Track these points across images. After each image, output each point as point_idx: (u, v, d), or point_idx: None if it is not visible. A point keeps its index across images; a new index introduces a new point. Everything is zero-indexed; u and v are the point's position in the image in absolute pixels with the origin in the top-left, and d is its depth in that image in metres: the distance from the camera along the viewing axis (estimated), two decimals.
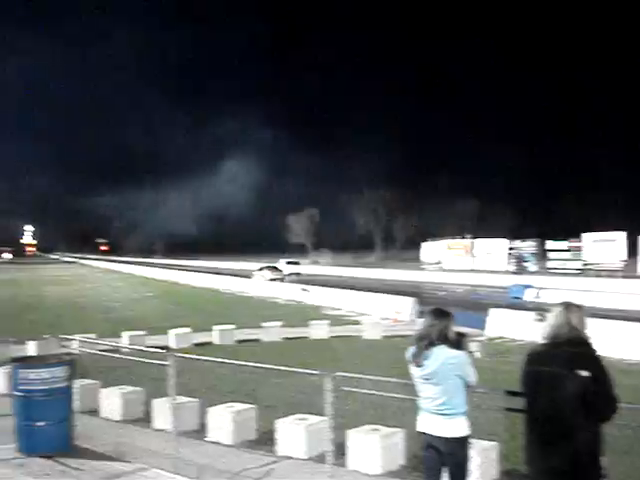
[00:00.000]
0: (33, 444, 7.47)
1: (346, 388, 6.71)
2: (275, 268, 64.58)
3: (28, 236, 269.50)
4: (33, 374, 7.41)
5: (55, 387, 7.47)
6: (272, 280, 54.88)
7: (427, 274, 65.36)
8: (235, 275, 56.17)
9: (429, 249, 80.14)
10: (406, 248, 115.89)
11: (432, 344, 5.26)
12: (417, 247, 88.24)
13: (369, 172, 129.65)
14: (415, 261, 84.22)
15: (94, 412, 10.61)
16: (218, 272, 61.49)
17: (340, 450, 7.62)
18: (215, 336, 19.94)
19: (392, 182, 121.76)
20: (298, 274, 68.39)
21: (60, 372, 7.54)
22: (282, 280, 56.42)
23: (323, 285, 38.63)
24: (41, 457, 7.30)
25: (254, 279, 55.49)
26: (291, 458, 8.53)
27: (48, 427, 7.44)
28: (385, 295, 30.03)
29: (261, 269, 63.13)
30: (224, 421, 9.37)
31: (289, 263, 73.75)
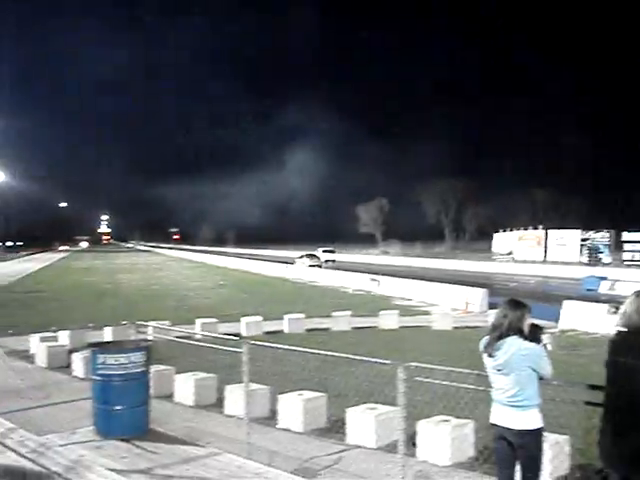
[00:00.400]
0: (110, 427, 7.68)
1: (418, 378, 6.70)
2: (314, 256, 71.06)
3: (104, 225, 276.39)
4: (111, 359, 7.61)
5: (132, 372, 7.66)
6: (311, 266, 59.75)
7: (498, 265, 64.47)
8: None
9: (500, 240, 78.99)
10: (476, 238, 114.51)
11: (505, 335, 5.20)
12: (487, 237, 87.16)
13: (439, 161, 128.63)
14: (486, 252, 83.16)
15: (168, 397, 10.87)
16: (287, 262, 61.80)
17: (410, 440, 7.61)
18: (285, 325, 20.10)
19: (463, 171, 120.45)
20: (333, 261, 75.10)
21: (137, 358, 7.73)
22: (320, 267, 61.66)
23: (393, 275, 38.47)
24: (118, 440, 7.50)
25: (296, 265, 59.80)
26: (360, 447, 8.56)
27: (125, 411, 7.64)
28: (456, 286, 29.73)
29: (301, 257, 69.10)
30: (294, 408, 9.47)
31: (325, 252, 79.81)
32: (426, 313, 24.11)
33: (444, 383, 6.72)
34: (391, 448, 8.30)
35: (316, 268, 57.27)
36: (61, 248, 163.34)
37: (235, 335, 11.96)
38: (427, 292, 30.52)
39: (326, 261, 71.81)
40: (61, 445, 6.44)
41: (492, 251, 79.66)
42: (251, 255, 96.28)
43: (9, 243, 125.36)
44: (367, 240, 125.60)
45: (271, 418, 9.86)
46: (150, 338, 9.82)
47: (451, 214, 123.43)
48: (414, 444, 7.99)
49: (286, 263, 57.91)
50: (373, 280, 36.60)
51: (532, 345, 5.15)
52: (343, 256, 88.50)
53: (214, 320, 19.44)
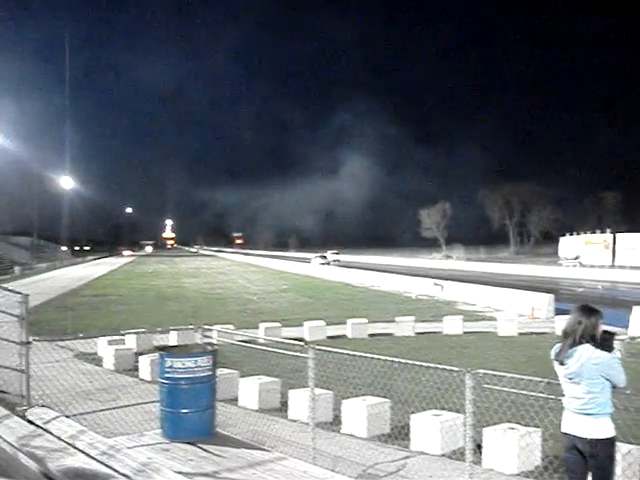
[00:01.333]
0: (177, 430, 7.77)
1: (487, 386, 6.61)
2: (324, 256, 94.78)
3: (168, 230, 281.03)
4: (179, 363, 7.70)
5: (199, 376, 7.74)
6: (321, 264, 78.40)
7: (564, 270, 63.23)
8: (366, 269, 56.24)
9: (567, 244, 77.51)
10: (541, 243, 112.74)
11: (578, 342, 5.08)
12: (553, 242, 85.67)
13: (503, 164, 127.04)
14: (551, 256, 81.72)
15: (232, 401, 10.97)
16: (350, 266, 61.78)
17: (475, 448, 7.51)
18: (348, 329, 20.09)
19: (528, 174, 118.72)
20: (338, 260, 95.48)
21: (204, 361, 7.80)
22: (328, 264, 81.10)
23: (456, 280, 38.09)
24: (184, 443, 7.58)
25: (312, 263, 79.95)
26: (425, 454, 8.50)
27: (192, 414, 7.72)
28: (521, 291, 29.26)
29: (316, 257, 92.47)
30: (358, 414, 9.45)
31: (333, 254, 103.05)
32: (491, 319, 23.83)
33: (512, 391, 6.60)
34: (456, 455, 8.23)
35: (325, 265, 76.13)
36: (125, 253, 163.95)
37: (298, 339, 12.01)
38: (492, 297, 30.13)
39: (333, 260, 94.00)
40: (129, 447, 6.54)
41: (558, 255, 78.22)
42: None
43: (76, 248, 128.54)
44: (429, 244, 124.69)
45: (334, 423, 9.86)
46: (214, 342, 9.91)
47: (515, 218, 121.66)
48: (479, 451, 7.89)
49: (304, 261, 78.05)
50: (436, 285, 36.30)
51: (604, 354, 5.01)
52: (404, 260, 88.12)
53: (277, 324, 19.57)
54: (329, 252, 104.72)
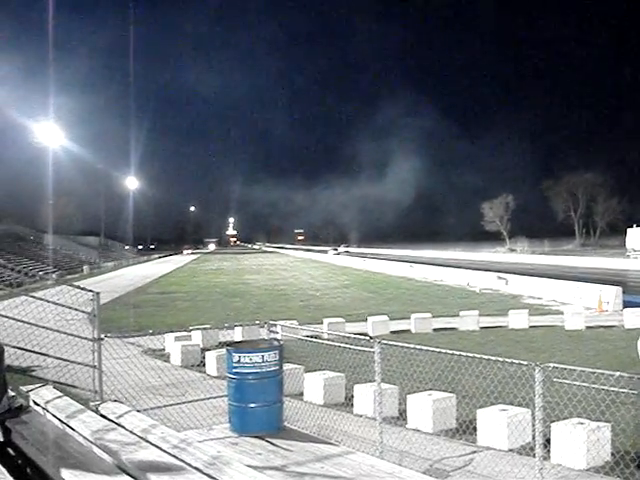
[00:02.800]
0: (245, 424, 7.87)
1: (557, 380, 6.52)
2: (336, 248, 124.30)
3: (230, 227, 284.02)
4: (246, 358, 7.80)
5: (266, 371, 7.82)
6: (335, 255, 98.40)
7: (632, 262, 61.67)
8: (428, 264, 55.88)
9: (635, 235, 75.53)
10: (608, 235, 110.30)
11: None
12: (620, 233, 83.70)
13: (568, 155, 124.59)
14: (618, 248, 79.87)
15: (298, 396, 11.05)
16: (412, 261, 61.49)
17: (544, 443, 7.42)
18: (412, 324, 20.03)
19: (593, 165, 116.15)
20: (347, 251, 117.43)
21: (271, 357, 7.88)
22: (339, 254, 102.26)
23: (521, 274, 37.56)
24: (252, 437, 7.68)
25: (328, 254, 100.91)
26: (492, 449, 8.44)
27: (259, 409, 7.81)
28: (588, 284, 28.69)
29: (330, 249, 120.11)
30: (424, 409, 9.44)
31: (345, 246, 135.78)
32: (557, 312, 23.45)
33: (583, 384, 6.49)
34: (524, 450, 8.14)
35: (339, 255, 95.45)
36: (185, 252, 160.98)
37: (362, 334, 12.03)
38: (557, 290, 29.62)
39: (344, 251, 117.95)
40: (199, 441, 6.65)
41: (625, 247, 76.33)
42: (374, 255, 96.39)
43: (139, 246, 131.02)
44: (493, 238, 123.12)
45: (399, 418, 9.87)
46: (279, 337, 10.00)
47: (581, 209, 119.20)
48: (547, 446, 7.79)
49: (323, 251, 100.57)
50: (500, 278, 35.85)
51: None
52: (466, 254, 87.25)
53: (341, 320, 19.62)
54: (342, 245, 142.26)
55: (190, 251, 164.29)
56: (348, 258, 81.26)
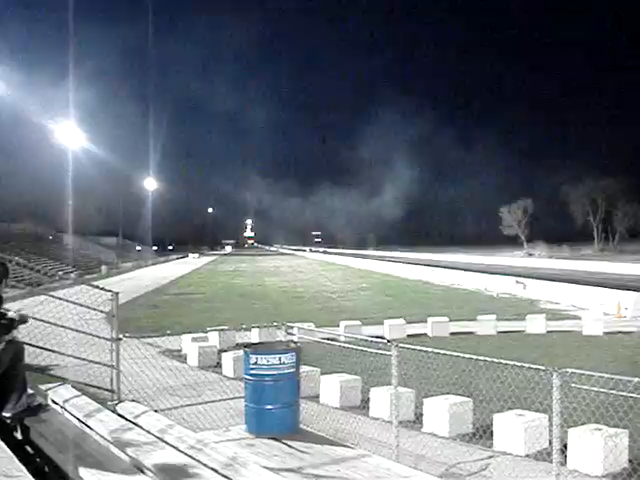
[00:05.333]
0: (261, 426, 7.89)
1: (575, 385, 6.49)
2: (311, 249, 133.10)
3: (248, 229, 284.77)
4: (263, 360, 7.82)
5: (283, 373, 7.85)
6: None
7: None
8: (446, 267, 55.68)
9: None
10: (627, 240, 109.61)
11: None
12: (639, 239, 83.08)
13: (587, 160, 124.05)
14: (638, 253, 79.28)
15: (314, 398, 11.06)
16: (430, 264, 61.32)
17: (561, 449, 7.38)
18: (429, 328, 19.98)
19: (612, 170, 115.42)
20: (325, 251, 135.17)
21: (288, 358, 7.91)
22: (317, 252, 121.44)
23: (539, 278, 37.37)
24: (269, 438, 7.70)
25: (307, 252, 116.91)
26: (508, 454, 8.40)
27: (276, 410, 7.83)
28: (606, 289, 28.49)
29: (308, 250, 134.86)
30: (440, 413, 9.42)
31: (326, 247, 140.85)
32: (575, 317, 23.33)
33: (601, 390, 6.45)
34: (540, 456, 8.11)
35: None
36: (192, 255, 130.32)
37: (379, 337, 12.01)
38: (576, 295, 29.45)
39: (323, 251, 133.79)
40: (216, 442, 6.68)
41: None
42: (392, 258, 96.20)
43: (154, 247, 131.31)
44: (511, 242, 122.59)
45: (415, 421, 9.85)
46: (296, 339, 10.02)
47: (600, 214, 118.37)
48: (564, 452, 7.75)
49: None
50: (518, 283, 35.69)
51: None
52: (484, 258, 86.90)
53: (357, 322, 19.60)
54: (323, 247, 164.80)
55: (197, 255, 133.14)
56: (366, 261, 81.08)
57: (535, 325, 20.59)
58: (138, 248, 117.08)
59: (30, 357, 7.77)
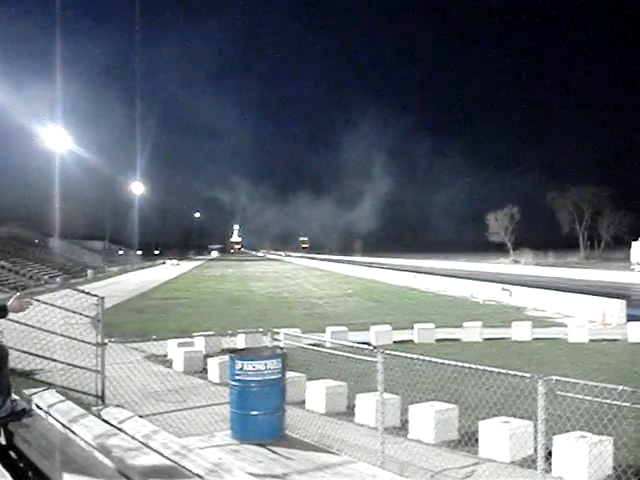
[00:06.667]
0: (247, 432, 7.86)
1: (560, 393, 6.51)
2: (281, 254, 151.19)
3: (235, 234, 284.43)
4: (249, 365, 7.81)
5: (269, 378, 7.83)
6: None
7: (636, 275, 61.46)
8: (432, 274, 55.78)
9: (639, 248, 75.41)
10: (613, 247, 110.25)
11: None
12: (625, 246, 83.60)
13: (573, 167, 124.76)
14: (623, 261, 79.75)
15: (299, 404, 11.04)
16: (415, 271, 61.42)
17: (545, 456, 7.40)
18: (415, 334, 20.00)
19: (598, 178, 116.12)
20: (289, 255, 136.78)
21: (274, 364, 7.89)
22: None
23: (525, 285, 37.50)
24: (254, 444, 7.67)
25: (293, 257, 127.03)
26: (493, 461, 8.42)
27: (261, 416, 7.81)
28: (592, 297, 28.64)
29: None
30: (426, 419, 9.42)
31: (313, 252, 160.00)
32: (561, 325, 23.44)
33: (586, 398, 6.47)
34: (525, 463, 8.13)
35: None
36: (170, 262, 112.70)
37: (365, 344, 12.02)
38: (561, 303, 29.59)
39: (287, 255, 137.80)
40: (201, 448, 6.64)
41: (630, 260, 76.16)
42: (378, 264, 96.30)
43: (138, 252, 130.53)
44: (497, 249, 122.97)
45: (401, 428, 9.85)
46: (282, 345, 10.01)
47: (586, 222, 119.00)
48: (549, 459, 7.77)
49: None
50: (504, 290, 35.80)
51: None
52: (470, 265, 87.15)
53: (344, 328, 19.60)
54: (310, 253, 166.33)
55: (176, 261, 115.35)
56: (352, 267, 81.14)
57: (521, 332, 20.66)
58: (120, 252, 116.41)
59: (14, 361, 7.73)
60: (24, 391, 7.66)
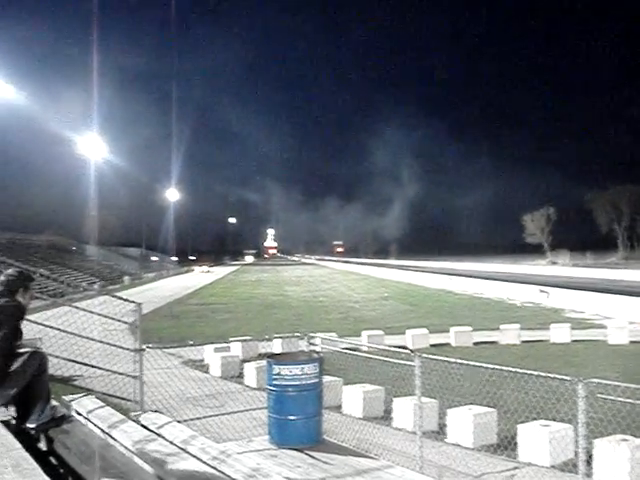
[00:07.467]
0: (285, 437, 7.86)
1: (601, 395, 6.41)
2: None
3: (270, 239, 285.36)
4: (286, 370, 7.81)
5: (306, 383, 7.82)
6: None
7: None
8: (467, 276, 55.38)
9: None
10: None
11: None
12: None
13: (612, 166, 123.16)
14: None
15: (336, 408, 11.03)
16: (451, 273, 61.05)
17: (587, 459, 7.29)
18: (452, 337, 19.88)
19: (637, 176, 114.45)
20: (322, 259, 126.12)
21: (311, 369, 7.88)
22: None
23: (563, 287, 37.06)
24: (292, 449, 7.67)
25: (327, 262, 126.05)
26: (533, 465, 8.32)
27: (299, 421, 7.80)
28: (632, 297, 28.18)
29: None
30: (464, 423, 9.35)
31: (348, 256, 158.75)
32: (600, 326, 23.09)
33: (627, 400, 6.36)
34: (566, 467, 8.02)
35: None
36: (199, 269, 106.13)
37: (401, 347, 11.97)
38: (601, 304, 29.16)
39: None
40: (239, 453, 6.65)
41: None
42: (412, 267, 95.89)
43: (174, 258, 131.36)
44: (534, 250, 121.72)
45: (439, 432, 9.78)
46: (318, 349, 10.00)
47: (625, 222, 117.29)
48: (590, 463, 7.66)
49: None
50: (542, 292, 35.41)
51: None
52: (507, 267, 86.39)
53: (380, 332, 19.55)
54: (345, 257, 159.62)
55: (206, 268, 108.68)
56: (387, 270, 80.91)
57: (559, 334, 20.41)
58: (154, 258, 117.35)
59: (54, 368, 7.80)
60: (63, 397, 7.74)
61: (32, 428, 6.07)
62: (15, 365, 5.89)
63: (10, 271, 6.34)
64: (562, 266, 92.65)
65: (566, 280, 53.29)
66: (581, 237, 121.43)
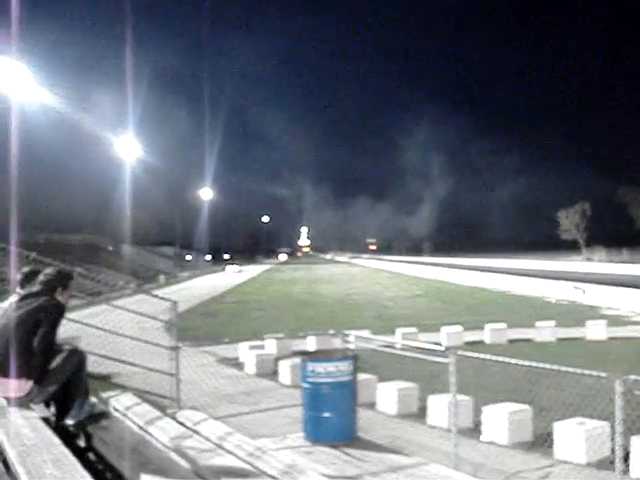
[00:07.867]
0: (319, 434, 7.90)
1: (638, 393, 6.35)
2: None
3: (303, 237, 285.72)
4: (320, 368, 7.85)
5: (340, 380, 7.85)
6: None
7: None
8: (503, 273, 54.92)
9: None
10: None
11: None
12: None
13: None
14: None
15: (370, 406, 11.03)
16: (485, 270, 60.62)
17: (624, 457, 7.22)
18: (486, 335, 19.75)
19: None
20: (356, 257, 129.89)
21: (345, 366, 7.92)
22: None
23: (599, 283, 36.58)
24: (326, 446, 7.70)
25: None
26: (569, 463, 8.26)
27: (334, 418, 7.84)
28: None
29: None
30: (499, 421, 9.30)
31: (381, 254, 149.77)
32: (637, 323, 22.80)
33: None
34: (602, 464, 7.95)
35: None
36: (229, 268, 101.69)
37: (436, 344, 11.93)
38: (637, 301, 28.75)
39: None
40: (274, 450, 6.73)
41: None
42: (447, 264, 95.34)
43: (208, 256, 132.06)
44: (569, 247, 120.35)
45: (474, 430, 9.74)
46: (352, 347, 10.03)
47: None
48: (627, 461, 7.58)
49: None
50: (577, 288, 34.99)
51: None
52: (541, 264, 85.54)
53: (414, 330, 19.49)
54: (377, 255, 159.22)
55: (238, 267, 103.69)
56: (420, 268, 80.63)
57: (595, 331, 20.17)
58: (188, 257, 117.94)
59: (92, 365, 7.93)
60: (102, 394, 7.88)
61: (71, 425, 6.18)
62: (55, 363, 6.00)
63: (49, 270, 6.45)
64: (598, 262, 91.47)
65: (602, 277, 52.67)
66: (616, 232, 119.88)
